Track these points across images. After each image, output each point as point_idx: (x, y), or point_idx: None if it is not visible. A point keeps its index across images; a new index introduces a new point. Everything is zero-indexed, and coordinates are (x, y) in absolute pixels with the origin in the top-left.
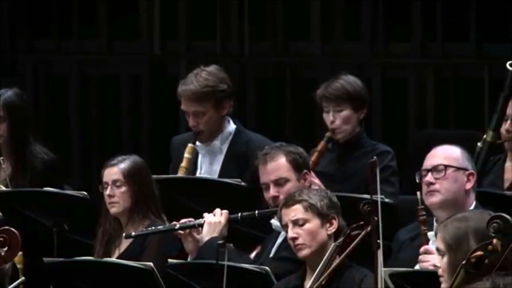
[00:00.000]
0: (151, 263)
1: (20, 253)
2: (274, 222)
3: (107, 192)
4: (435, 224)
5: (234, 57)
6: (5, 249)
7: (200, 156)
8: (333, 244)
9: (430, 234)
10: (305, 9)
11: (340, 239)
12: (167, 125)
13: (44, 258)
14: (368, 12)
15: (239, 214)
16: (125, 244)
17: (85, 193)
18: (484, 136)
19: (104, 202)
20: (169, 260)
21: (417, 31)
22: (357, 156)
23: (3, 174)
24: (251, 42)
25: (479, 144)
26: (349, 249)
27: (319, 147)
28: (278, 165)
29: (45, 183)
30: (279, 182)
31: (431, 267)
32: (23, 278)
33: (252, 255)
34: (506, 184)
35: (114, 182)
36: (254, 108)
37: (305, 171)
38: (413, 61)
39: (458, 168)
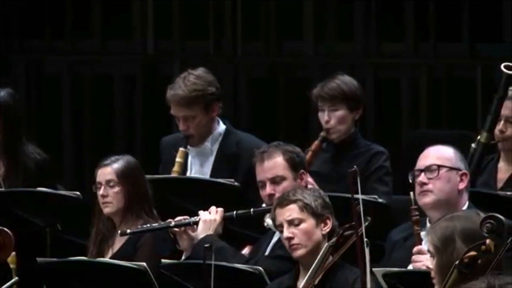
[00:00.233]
0: (144, 263)
1: (13, 253)
2: (269, 221)
3: (101, 192)
4: (428, 224)
5: (227, 57)
6: None
7: (190, 158)
8: (327, 244)
9: (423, 234)
10: (298, 9)
11: (333, 239)
12: (161, 125)
13: (37, 258)
14: (361, 12)
15: (234, 212)
16: (118, 244)
17: (78, 193)
18: (478, 137)
19: (98, 202)
20: (163, 260)
21: (410, 31)
22: (352, 156)
23: None
24: (244, 42)
25: (473, 145)
26: (341, 250)
27: (313, 146)
28: (275, 163)
29: (38, 183)
30: (276, 180)
31: (424, 268)
32: (16, 278)
33: (242, 252)
34: (499, 184)
35: (108, 182)
36: (247, 108)
37: (302, 170)
38: (406, 61)
39: (451, 168)
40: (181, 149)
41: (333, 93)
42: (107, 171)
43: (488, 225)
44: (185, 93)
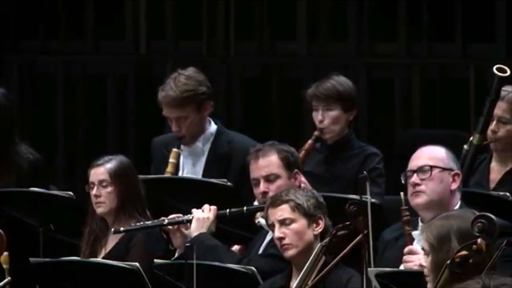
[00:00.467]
0: (137, 264)
1: (6, 253)
2: (262, 220)
3: (94, 192)
4: (420, 223)
5: (220, 57)
6: None
7: (182, 158)
8: (319, 244)
9: (415, 233)
10: (291, 9)
11: (326, 240)
12: (153, 125)
13: (30, 258)
14: (354, 12)
15: (228, 210)
16: (111, 243)
17: (71, 193)
18: (471, 138)
19: (91, 202)
20: (155, 260)
21: (403, 31)
22: (346, 157)
23: None
24: (237, 42)
25: (465, 146)
26: (342, 253)
27: (306, 145)
28: (270, 161)
29: (31, 183)
30: (270, 178)
31: (415, 267)
32: (9, 278)
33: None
34: (492, 184)
35: (101, 182)
36: (240, 108)
37: (296, 170)
38: (399, 61)
39: (444, 169)
40: (174, 149)
41: (328, 93)
42: (100, 171)
43: (479, 224)
44: (177, 94)
